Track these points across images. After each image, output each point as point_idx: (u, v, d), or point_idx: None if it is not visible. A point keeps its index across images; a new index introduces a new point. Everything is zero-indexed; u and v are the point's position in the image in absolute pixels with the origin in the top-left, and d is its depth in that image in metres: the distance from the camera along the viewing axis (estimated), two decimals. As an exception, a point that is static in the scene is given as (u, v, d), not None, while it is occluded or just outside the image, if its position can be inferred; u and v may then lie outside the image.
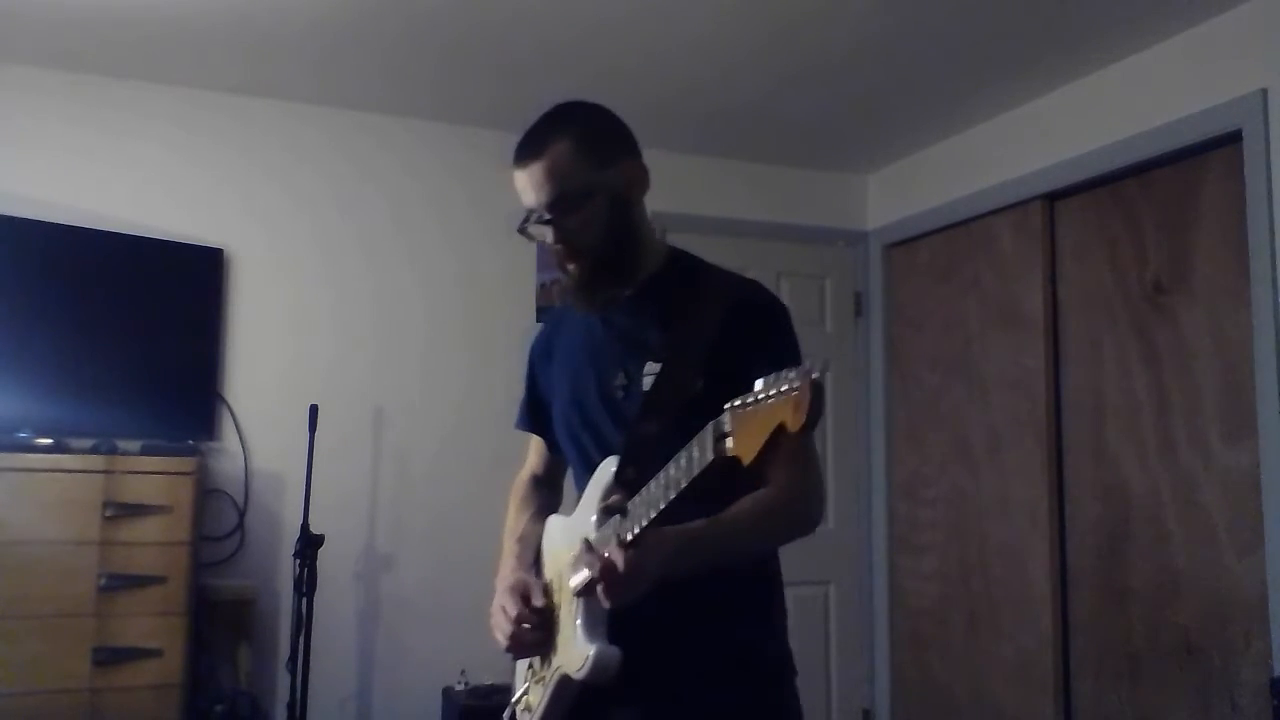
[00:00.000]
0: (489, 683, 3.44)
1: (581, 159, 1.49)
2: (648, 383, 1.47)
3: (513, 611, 1.50)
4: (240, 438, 3.44)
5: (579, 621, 1.38)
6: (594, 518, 1.40)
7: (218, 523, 3.36)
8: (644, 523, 1.24)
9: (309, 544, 3.13)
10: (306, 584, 3.11)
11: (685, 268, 1.59)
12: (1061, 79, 3.32)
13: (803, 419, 0.99)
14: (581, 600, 1.38)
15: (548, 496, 1.80)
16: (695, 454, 1.16)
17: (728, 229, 4.10)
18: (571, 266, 1.52)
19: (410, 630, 3.59)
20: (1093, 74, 3.26)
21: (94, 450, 2.98)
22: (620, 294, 1.55)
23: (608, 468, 1.42)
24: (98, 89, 3.42)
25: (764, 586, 1.56)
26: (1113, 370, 3.17)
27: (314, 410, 3.30)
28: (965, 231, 3.80)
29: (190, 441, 3.23)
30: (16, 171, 3.29)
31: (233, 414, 3.44)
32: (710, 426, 1.13)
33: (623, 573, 1.26)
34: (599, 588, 1.29)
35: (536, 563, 1.62)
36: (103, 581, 2.83)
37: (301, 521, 3.17)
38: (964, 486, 3.71)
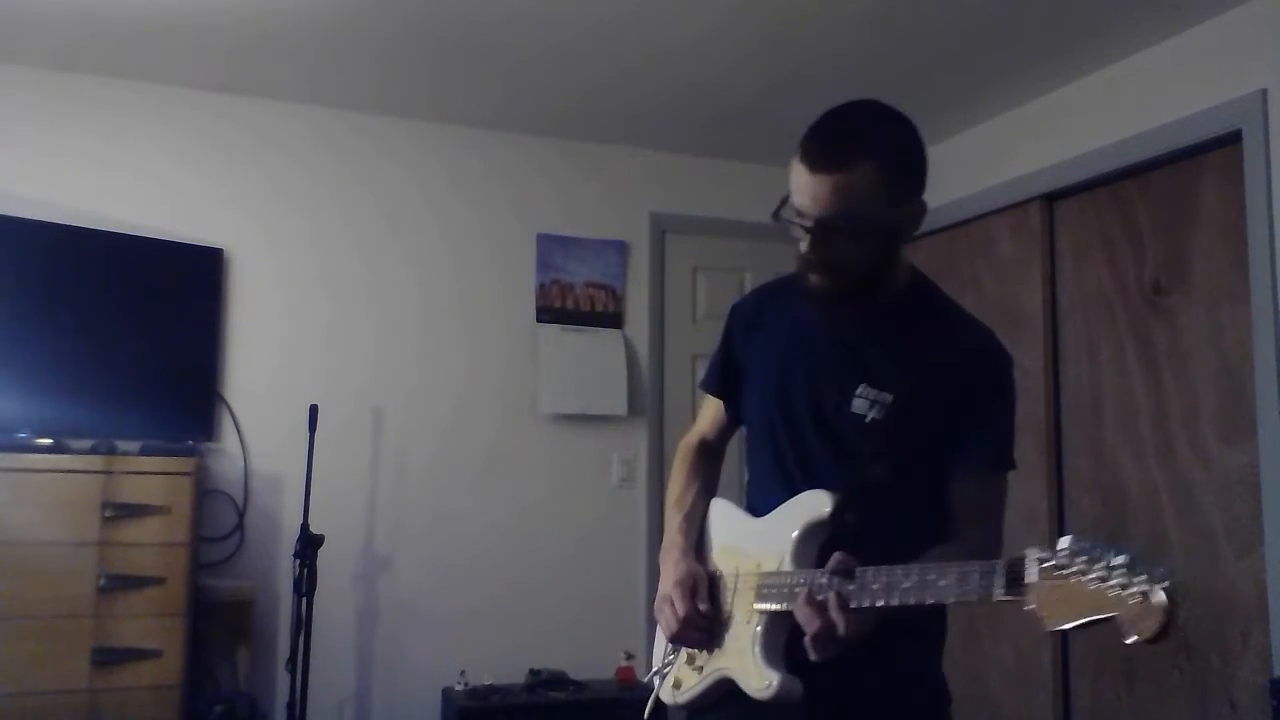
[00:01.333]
0: (488, 683, 3.45)
1: (878, 191, 1.36)
2: (859, 406, 1.45)
3: (682, 611, 1.50)
4: (239, 438, 3.44)
5: (759, 642, 1.40)
6: (794, 541, 1.41)
7: (217, 523, 3.36)
8: (877, 603, 1.24)
9: (309, 544, 3.12)
10: (306, 584, 3.11)
11: (925, 296, 1.55)
12: (1061, 79, 3.32)
13: (1152, 636, 0.97)
14: (766, 619, 1.40)
15: (714, 466, 1.77)
16: (974, 583, 1.14)
17: (728, 229, 4.10)
18: (815, 278, 1.45)
19: (410, 631, 3.59)
20: (1092, 74, 3.26)
21: (93, 451, 2.98)
22: (849, 311, 1.49)
23: (821, 505, 1.40)
24: (98, 90, 3.41)
25: (935, 620, 1.55)
26: (1111, 371, 3.17)
27: (314, 410, 3.30)
28: (964, 232, 3.80)
29: (189, 442, 3.23)
30: (16, 171, 3.29)
31: (232, 414, 3.44)
32: (1005, 566, 1.12)
33: (841, 636, 1.27)
34: (810, 641, 1.30)
35: (700, 543, 1.62)
36: (102, 582, 2.83)
37: (301, 522, 3.17)
38: (963, 487, 3.71)
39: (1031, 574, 1.08)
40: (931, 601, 1.20)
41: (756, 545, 1.48)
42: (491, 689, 3.42)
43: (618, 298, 3.98)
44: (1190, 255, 2.96)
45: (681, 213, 4.09)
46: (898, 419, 1.43)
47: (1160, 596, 0.97)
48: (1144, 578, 0.98)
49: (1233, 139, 2.80)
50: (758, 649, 1.41)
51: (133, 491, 2.91)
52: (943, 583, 1.19)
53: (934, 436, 1.44)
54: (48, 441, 2.98)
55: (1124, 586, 0.99)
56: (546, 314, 3.88)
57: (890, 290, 1.50)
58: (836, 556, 1.32)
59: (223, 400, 3.44)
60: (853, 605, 1.26)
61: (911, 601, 1.21)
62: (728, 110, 3.66)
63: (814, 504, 1.41)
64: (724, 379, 1.72)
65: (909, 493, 1.46)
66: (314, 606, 3.12)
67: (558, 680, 3.51)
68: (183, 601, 2.93)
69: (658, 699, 1.60)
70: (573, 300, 3.92)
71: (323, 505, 3.30)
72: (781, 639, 1.40)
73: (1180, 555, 2.90)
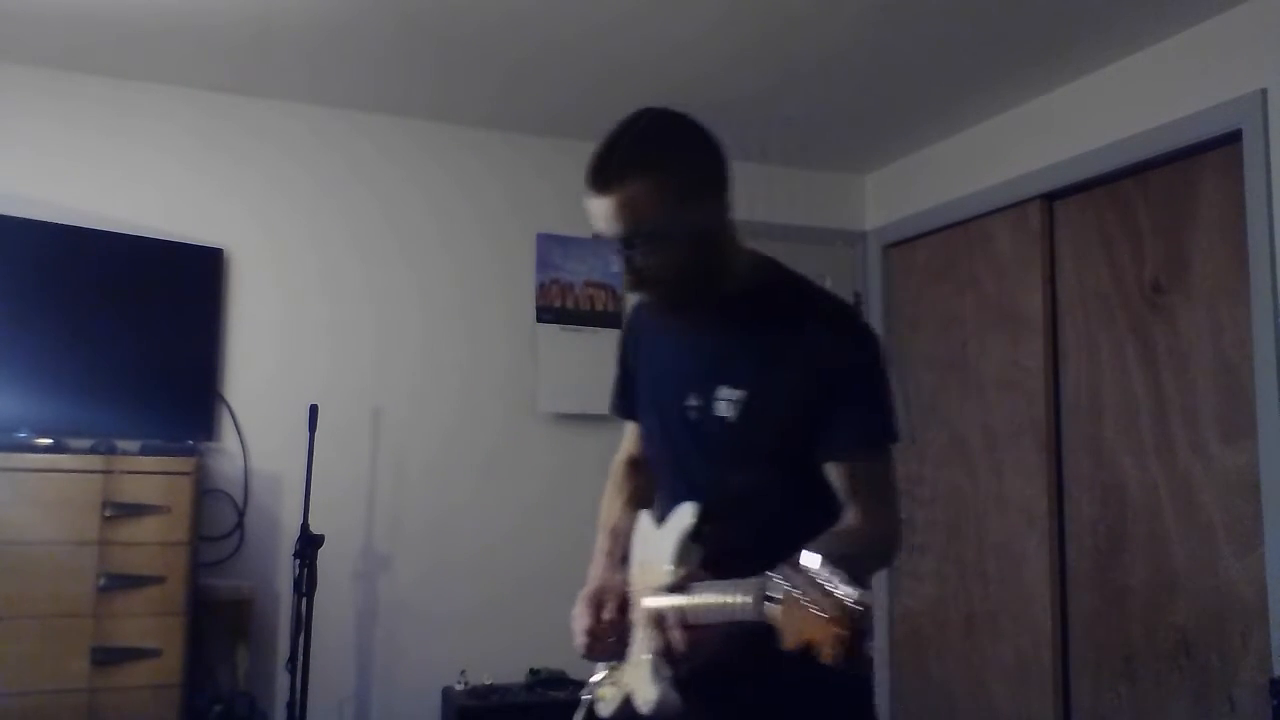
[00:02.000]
0: (488, 683, 3.45)
1: (661, 199, 1.35)
2: (720, 408, 1.43)
3: (583, 622, 1.50)
4: (239, 438, 3.44)
5: (650, 658, 1.39)
6: (673, 557, 1.39)
7: (217, 523, 3.36)
8: (694, 620, 1.25)
9: (309, 544, 3.13)
10: (306, 584, 3.11)
11: (777, 285, 1.50)
12: (1061, 79, 3.32)
13: (834, 659, 0.97)
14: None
15: (643, 480, 1.73)
16: (740, 599, 1.15)
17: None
18: (641, 293, 1.45)
19: (409, 630, 3.59)
20: (1092, 74, 3.26)
21: (93, 450, 2.98)
22: (697, 312, 1.47)
23: (686, 518, 1.39)
24: (99, 89, 3.41)
25: None
26: (1111, 370, 3.17)
27: (314, 410, 3.30)
28: (963, 231, 3.80)
29: (189, 441, 3.22)
30: (16, 171, 3.29)
31: (232, 414, 3.44)
32: (759, 584, 1.11)
33: (680, 653, 1.28)
34: (660, 656, 1.31)
35: (625, 558, 1.61)
36: (101, 581, 2.83)
37: (301, 521, 3.17)
38: (962, 486, 3.71)
39: (775, 594, 1.07)
40: (724, 619, 1.19)
41: (654, 559, 1.46)
42: (491, 689, 3.42)
43: (617, 297, 3.98)
44: (1190, 255, 2.96)
45: (681, 212, 4.09)
46: (753, 415, 1.40)
47: (843, 620, 0.97)
48: (835, 602, 0.98)
49: (1233, 139, 2.80)
50: (650, 664, 1.39)
51: (133, 491, 2.90)
52: (715, 598, 1.20)
53: (799, 427, 1.39)
54: (48, 441, 2.98)
55: (823, 610, 0.99)
56: (546, 314, 3.88)
57: (734, 285, 1.45)
58: (677, 572, 1.33)
59: (223, 400, 3.44)
60: (689, 622, 1.26)
61: (715, 619, 1.21)
62: (727, 109, 3.65)
63: (683, 518, 1.40)
64: (625, 398, 1.72)
65: (784, 489, 1.43)
66: (314, 606, 3.13)
67: (558, 680, 3.51)
68: (182, 601, 2.93)
69: (590, 713, 1.58)
70: (572, 300, 3.92)
71: (322, 505, 3.30)
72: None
73: (1180, 554, 2.91)
